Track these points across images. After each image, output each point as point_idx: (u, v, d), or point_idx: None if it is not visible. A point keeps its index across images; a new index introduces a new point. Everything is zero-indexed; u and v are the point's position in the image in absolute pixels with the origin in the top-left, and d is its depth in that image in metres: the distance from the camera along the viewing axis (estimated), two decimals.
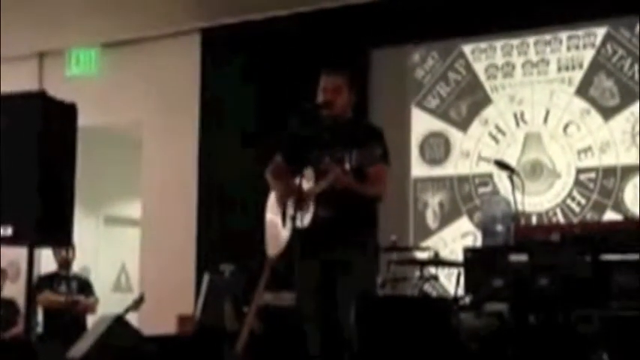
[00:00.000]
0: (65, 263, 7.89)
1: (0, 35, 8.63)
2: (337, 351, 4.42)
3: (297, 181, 4.53)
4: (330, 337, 4.46)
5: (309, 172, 4.51)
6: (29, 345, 5.27)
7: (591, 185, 7.30)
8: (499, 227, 5.55)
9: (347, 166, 4.30)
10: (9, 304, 8.16)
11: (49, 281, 7.77)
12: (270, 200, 4.82)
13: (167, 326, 7.34)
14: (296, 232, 4.47)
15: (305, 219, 4.46)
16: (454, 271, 6.41)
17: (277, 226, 4.68)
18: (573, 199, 7.36)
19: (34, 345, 6.98)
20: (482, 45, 7.88)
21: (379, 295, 6.05)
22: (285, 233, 4.59)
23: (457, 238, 7.65)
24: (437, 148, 7.98)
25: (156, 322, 7.52)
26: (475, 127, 7.84)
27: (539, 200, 7.42)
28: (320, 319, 4.51)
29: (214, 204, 8.73)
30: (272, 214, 4.78)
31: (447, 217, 7.85)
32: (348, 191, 4.39)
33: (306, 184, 4.48)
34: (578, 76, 7.46)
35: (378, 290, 6.16)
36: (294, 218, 4.40)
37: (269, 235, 4.78)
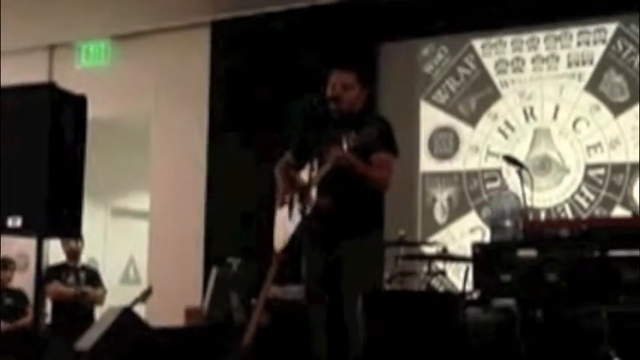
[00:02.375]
0: (73, 254, 7.91)
1: (10, 28, 8.65)
2: (342, 347, 4.41)
3: (303, 174, 4.54)
4: (335, 334, 4.45)
5: (314, 164, 4.52)
6: (38, 335, 5.28)
7: (600, 181, 7.29)
8: (508, 222, 5.54)
9: (345, 146, 4.29)
10: (18, 295, 8.19)
11: (58, 272, 7.78)
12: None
13: (175, 319, 7.35)
14: (302, 225, 4.46)
15: (308, 210, 4.46)
16: (462, 266, 6.41)
17: (285, 219, 4.69)
18: (582, 194, 7.35)
19: (42, 335, 7.02)
20: (493, 40, 7.86)
21: (387, 290, 6.06)
22: (291, 226, 4.60)
23: (465, 233, 7.64)
24: (446, 143, 7.98)
25: (164, 314, 7.53)
26: (484, 122, 7.83)
27: (548, 196, 7.41)
28: (325, 316, 4.51)
29: (223, 197, 8.74)
30: (281, 208, 4.78)
31: (456, 212, 7.84)
32: (349, 178, 4.37)
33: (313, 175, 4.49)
34: (588, 71, 7.45)
35: (385, 285, 6.17)
36: (303, 211, 4.40)
37: (278, 229, 4.79)
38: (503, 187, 7.53)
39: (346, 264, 4.45)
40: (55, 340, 7.04)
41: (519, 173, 5.91)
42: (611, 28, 7.39)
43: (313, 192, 4.46)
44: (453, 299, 5.57)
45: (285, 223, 4.68)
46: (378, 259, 4.75)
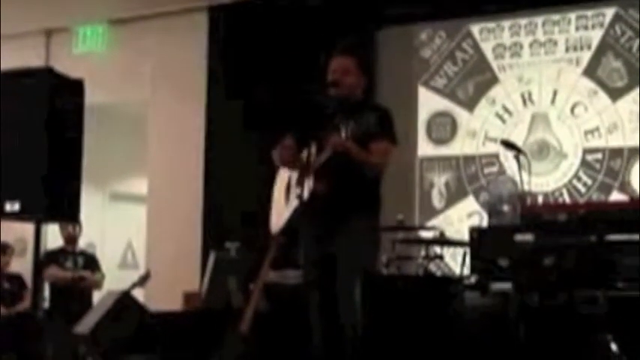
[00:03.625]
0: (71, 239, 7.91)
1: (8, 12, 8.63)
2: (338, 333, 4.41)
3: (302, 157, 4.53)
4: (331, 319, 4.45)
5: (313, 149, 4.51)
6: (36, 320, 5.29)
7: (598, 166, 7.30)
8: (505, 207, 5.56)
9: (343, 134, 4.28)
10: (16, 280, 8.20)
11: (56, 257, 7.79)
12: (277, 178, 4.82)
13: (173, 303, 7.37)
14: (298, 210, 4.46)
15: (305, 195, 4.45)
16: (459, 250, 6.42)
17: (283, 203, 4.69)
18: (579, 179, 7.36)
19: (40, 320, 7.03)
20: (490, 24, 7.85)
21: (384, 274, 6.07)
22: (289, 210, 4.60)
23: (463, 218, 7.65)
24: (443, 128, 7.98)
25: (162, 298, 7.55)
26: (482, 106, 7.83)
27: (546, 180, 7.42)
28: (321, 300, 4.51)
29: (220, 181, 8.73)
30: (278, 192, 4.78)
31: (453, 196, 7.85)
32: (346, 165, 4.36)
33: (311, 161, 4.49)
34: (586, 56, 7.44)
35: (382, 269, 6.18)
36: (300, 196, 4.40)
37: (275, 213, 4.79)
38: (501, 171, 7.53)
39: (342, 250, 4.44)
40: (53, 325, 7.07)
41: (517, 158, 5.91)
42: (609, 12, 7.38)
43: (311, 177, 4.45)
44: (450, 283, 5.58)
45: (282, 207, 4.68)
46: (374, 245, 4.75)
